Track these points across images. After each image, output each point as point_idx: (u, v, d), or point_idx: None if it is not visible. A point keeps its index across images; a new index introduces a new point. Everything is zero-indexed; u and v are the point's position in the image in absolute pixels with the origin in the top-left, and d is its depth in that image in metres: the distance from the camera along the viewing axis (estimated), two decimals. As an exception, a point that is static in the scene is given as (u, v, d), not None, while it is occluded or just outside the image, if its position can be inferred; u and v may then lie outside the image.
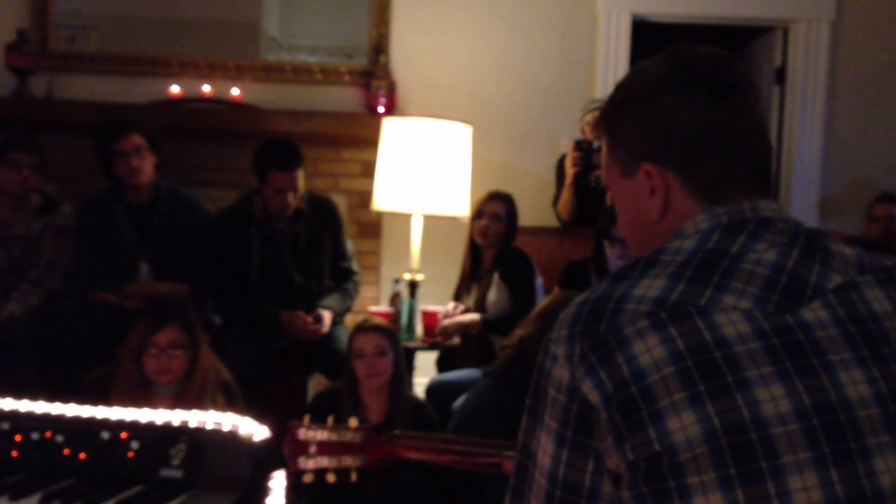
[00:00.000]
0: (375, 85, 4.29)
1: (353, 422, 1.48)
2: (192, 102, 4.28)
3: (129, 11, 4.48)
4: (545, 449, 0.96)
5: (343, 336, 3.39)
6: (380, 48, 4.36)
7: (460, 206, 3.69)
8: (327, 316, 3.39)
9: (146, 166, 3.48)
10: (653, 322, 0.91)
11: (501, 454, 1.44)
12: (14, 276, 3.44)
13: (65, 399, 1.49)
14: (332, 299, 3.48)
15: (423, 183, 3.62)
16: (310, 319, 3.35)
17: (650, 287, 0.94)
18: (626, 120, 1.07)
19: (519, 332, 2.85)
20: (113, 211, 3.50)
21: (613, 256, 3.14)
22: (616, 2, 4.44)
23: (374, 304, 4.12)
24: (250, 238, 3.40)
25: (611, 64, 4.43)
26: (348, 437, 1.45)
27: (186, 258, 3.50)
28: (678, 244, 0.99)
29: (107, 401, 1.53)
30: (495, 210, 3.55)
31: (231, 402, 2.75)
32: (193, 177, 4.12)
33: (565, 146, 4.03)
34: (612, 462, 0.91)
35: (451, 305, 3.46)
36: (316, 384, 3.58)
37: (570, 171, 3.81)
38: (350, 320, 3.63)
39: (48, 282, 3.46)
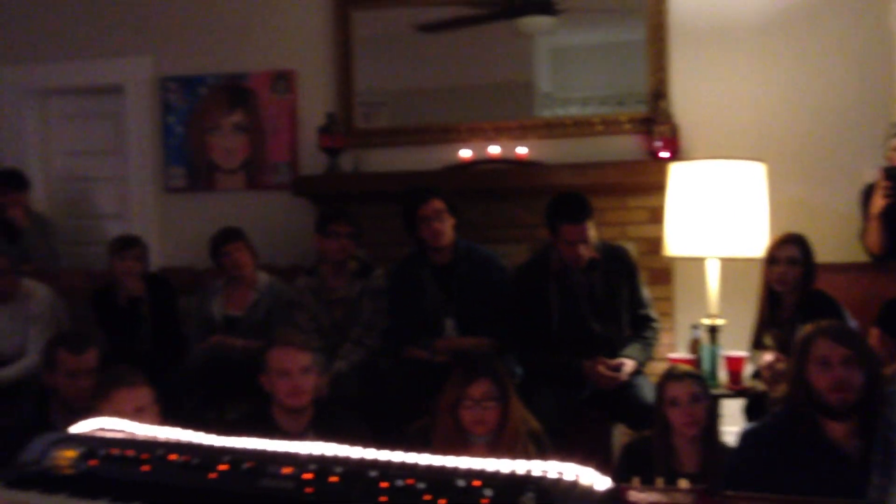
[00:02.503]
0: (658, 130, 4.28)
1: (683, 482, 1.47)
2: (481, 164, 4.52)
3: (412, 85, 4.84)
4: None
5: (645, 385, 3.38)
6: (659, 93, 4.36)
7: (758, 246, 3.56)
8: (628, 364, 3.40)
9: (447, 228, 3.71)
10: None
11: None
12: (338, 335, 3.81)
13: (389, 448, 1.62)
14: (634, 348, 3.48)
15: (716, 226, 3.54)
16: (612, 364, 3.38)
17: None
18: None
19: None
20: (419, 272, 3.76)
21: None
22: (917, 16, 4.11)
23: (669, 350, 4.05)
24: (549, 290, 3.51)
25: (915, 83, 4.09)
26: (679, 498, 1.45)
27: (488, 313, 3.67)
28: None
29: (428, 451, 1.64)
30: (790, 254, 3.39)
31: (541, 452, 2.82)
32: (486, 235, 4.32)
33: (869, 175, 3.77)
34: None
35: (768, 357, 3.31)
36: (619, 434, 3.57)
37: (879, 202, 3.55)
38: (648, 368, 3.61)
39: (367, 340, 3.78)
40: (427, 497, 1.40)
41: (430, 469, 1.46)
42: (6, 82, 5.02)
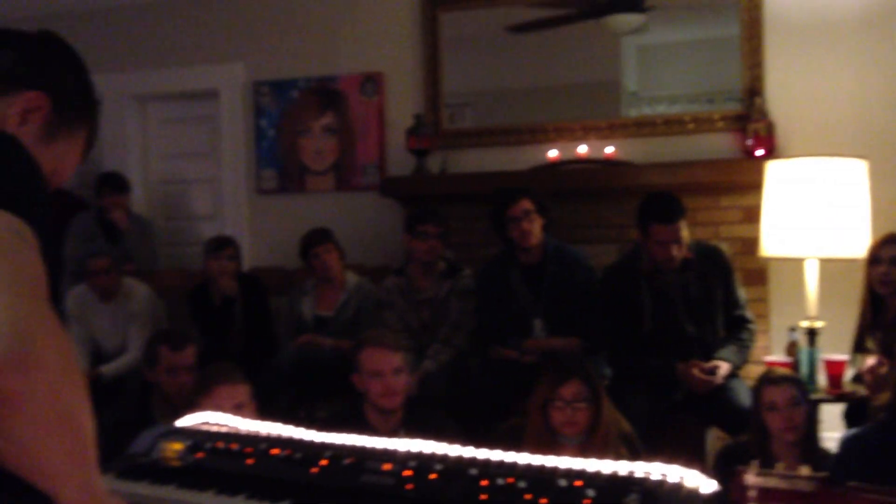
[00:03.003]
0: (752, 128, 4.16)
1: (804, 469, 1.45)
2: (569, 164, 4.48)
3: (499, 86, 4.84)
4: None
5: (740, 388, 3.30)
6: (754, 90, 4.24)
7: (859, 247, 3.43)
8: (723, 367, 3.32)
9: (535, 228, 3.70)
10: None
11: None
12: (426, 335, 3.84)
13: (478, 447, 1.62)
14: (729, 350, 3.40)
15: (816, 225, 3.44)
16: (706, 367, 3.31)
17: None
18: None
19: None
20: (507, 272, 3.75)
21: None
22: None
23: (765, 353, 3.94)
24: (640, 291, 3.45)
25: None
26: (799, 485, 1.42)
27: (576, 313, 3.64)
28: None
29: (517, 450, 1.63)
30: (893, 253, 3.27)
31: (633, 454, 2.79)
32: (574, 234, 4.27)
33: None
34: None
35: (871, 361, 3.19)
36: (713, 439, 3.50)
37: None
38: (744, 371, 3.52)
39: (455, 340, 3.79)
40: (528, 496, 1.40)
41: (530, 468, 1.46)
42: (109, 89, 5.18)
